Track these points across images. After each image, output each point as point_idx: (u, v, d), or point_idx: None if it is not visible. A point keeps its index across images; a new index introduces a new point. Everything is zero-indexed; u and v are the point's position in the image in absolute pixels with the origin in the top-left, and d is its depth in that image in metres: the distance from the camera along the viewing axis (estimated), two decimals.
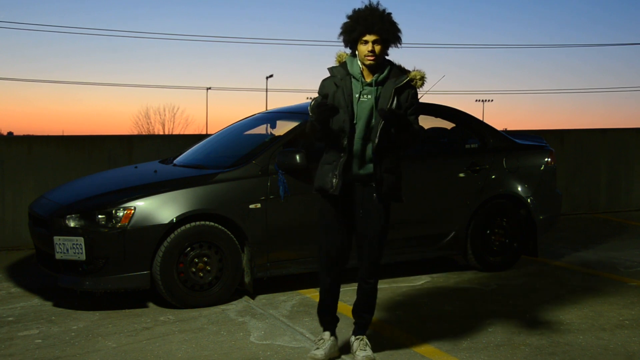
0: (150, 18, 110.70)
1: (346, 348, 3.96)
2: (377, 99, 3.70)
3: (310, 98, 4.90)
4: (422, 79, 3.80)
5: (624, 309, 4.89)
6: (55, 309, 4.96)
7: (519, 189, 6.08)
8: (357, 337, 3.90)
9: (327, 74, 3.84)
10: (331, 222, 3.80)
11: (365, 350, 3.84)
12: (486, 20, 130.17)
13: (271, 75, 59.64)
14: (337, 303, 3.95)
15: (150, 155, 7.40)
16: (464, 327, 4.47)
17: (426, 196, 5.73)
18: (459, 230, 5.85)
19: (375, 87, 3.71)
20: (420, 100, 6.64)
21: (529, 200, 6.09)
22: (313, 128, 3.68)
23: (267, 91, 74.86)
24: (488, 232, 5.99)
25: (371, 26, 3.62)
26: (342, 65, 3.80)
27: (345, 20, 3.72)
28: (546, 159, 6.33)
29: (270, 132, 6.05)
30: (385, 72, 3.73)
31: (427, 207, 5.74)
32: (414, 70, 3.80)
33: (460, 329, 4.43)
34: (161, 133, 55.63)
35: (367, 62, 3.69)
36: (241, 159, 5.29)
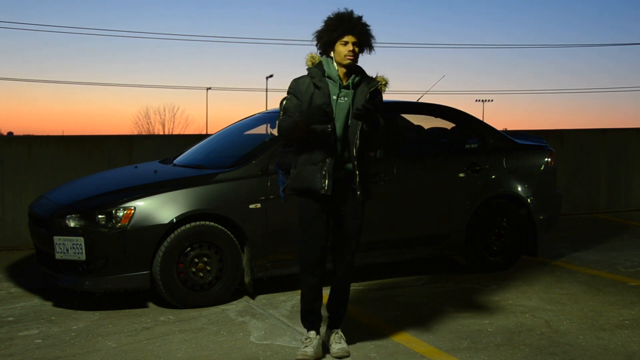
0: (150, 18, 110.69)
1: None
2: (353, 101, 3.83)
3: None
4: (386, 84, 3.98)
5: (624, 309, 4.89)
6: (55, 309, 4.96)
7: (519, 189, 6.08)
8: (333, 330, 4.02)
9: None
10: (315, 222, 3.86)
11: (340, 343, 3.97)
12: (486, 20, 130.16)
13: (271, 75, 59.63)
14: (321, 302, 3.99)
15: (150, 155, 7.40)
16: (464, 327, 4.47)
17: (426, 196, 5.73)
18: (459, 230, 5.84)
19: (353, 90, 3.85)
20: (420, 100, 6.67)
21: (529, 200, 6.09)
22: (295, 128, 3.75)
23: (267, 91, 74.72)
24: (488, 232, 5.98)
25: (352, 28, 3.78)
26: (318, 66, 3.89)
27: (325, 22, 3.84)
28: (546, 159, 6.33)
29: (270, 132, 6.05)
30: (359, 76, 3.89)
31: (427, 207, 5.74)
32: (378, 76, 3.96)
33: (460, 329, 4.43)
34: (161, 133, 55.63)
35: (346, 62, 3.80)
36: (241, 159, 5.29)
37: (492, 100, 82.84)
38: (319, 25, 3.89)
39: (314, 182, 3.78)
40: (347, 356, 3.93)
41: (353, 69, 3.87)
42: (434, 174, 5.83)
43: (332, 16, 3.84)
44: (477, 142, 6.12)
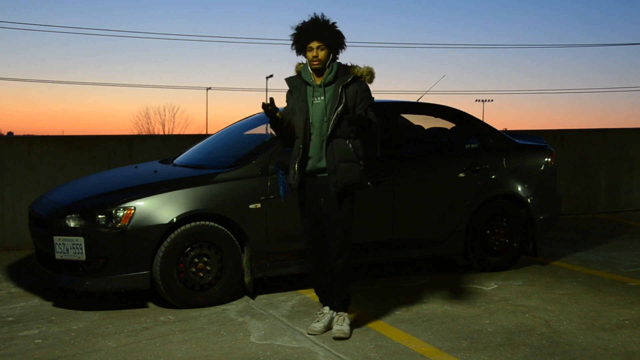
0: (150, 18, 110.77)
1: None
2: (328, 98, 4.17)
3: None
4: (370, 73, 4.27)
5: (624, 309, 4.89)
6: (55, 309, 4.96)
7: (519, 189, 6.08)
8: (338, 313, 4.34)
9: None
10: (305, 215, 4.33)
11: (341, 325, 4.27)
12: (486, 20, 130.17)
13: (271, 75, 59.58)
14: (326, 281, 4.37)
15: (150, 155, 7.40)
16: (464, 327, 4.47)
17: (426, 196, 5.72)
18: (459, 230, 5.84)
19: (324, 89, 4.20)
20: (420, 101, 6.67)
21: (529, 200, 6.09)
22: (282, 131, 4.27)
23: (267, 91, 74.54)
24: (488, 232, 5.98)
25: (313, 34, 4.14)
26: (298, 74, 4.31)
27: (293, 32, 4.22)
28: (546, 159, 6.33)
29: (270, 132, 6.03)
30: (332, 73, 4.20)
31: (427, 207, 5.73)
32: (362, 67, 4.27)
33: (460, 329, 4.43)
34: (161, 133, 55.62)
35: (313, 67, 4.19)
36: (241, 159, 5.28)
37: (492, 100, 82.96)
38: None
39: (289, 178, 4.28)
40: (345, 338, 4.21)
41: (324, 70, 4.21)
42: (434, 174, 5.83)
43: (297, 25, 4.22)
44: (477, 142, 6.12)
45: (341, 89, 4.14)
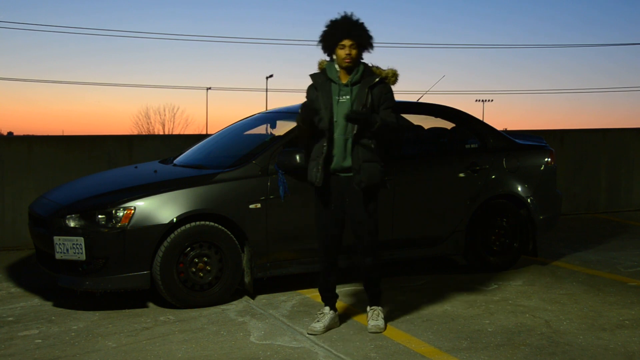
0: (150, 18, 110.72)
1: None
2: (354, 98, 4.19)
3: None
4: (395, 75, 4.33)
5: (624, 309, 4.89)
6: (55, 309, 4.96)
7: (519, 189, 6.08)
8: (372, 307, 4.44)
9: None
10: (323, 213, 4.34)
11: (376, 320, 4.37)
12: (486, 20, 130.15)
13: (271, 75, 59.62)
14: (335, 282, 4.45)
15: (150, 155, 7.40)
16: (464, 327, 4.47)
17: (426, 196, 5.72)
18: (459, 230, 5.84)
19: (351, 88, 4.22)
20: (420, 101, 6.67)
21: (529, 200, 6.09)
22: (299, 129, 4.32)
23: (267, 91, 74.91)
24: (488, 232, 5.98)
25: (348, 32, 4.16)
26: (323, 71, 4.32)
27: (324, 28, 4.24)
28: (546, 159, 6.32)
29: (270, 132, 6.05)
30: (359, 73, 4.23)
31: (427, 207, 5.73)
32: (387, 69, 4.32)
33: (460, 329, 4.43)
34: (161, 133, 55.62)
35: (345, 65, 4.20)
36: (241, 159, 5.28)
37: (492, 100, 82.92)
38: (319, 25, 4.10)
39: (311, 176, 4.25)
40: (380, 332, 4.31)
41: (354, 68, 4.22)
42: (434, 174, 5.83)
43: (329, 22, 4.22)
44: (477, 142, 6.11)
45: (367, 89, 4.18)
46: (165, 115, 76.26)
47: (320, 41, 4.26)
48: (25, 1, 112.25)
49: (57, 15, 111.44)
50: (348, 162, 4.21)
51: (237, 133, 6.25)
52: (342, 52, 4.18)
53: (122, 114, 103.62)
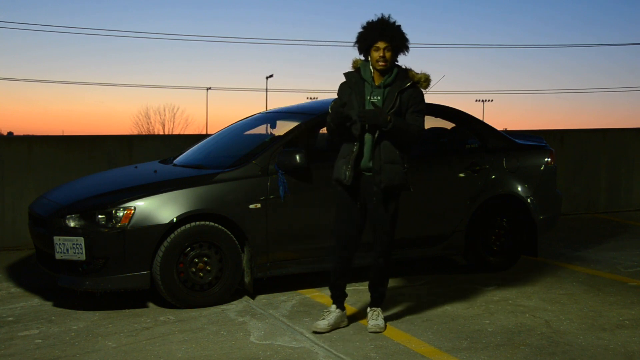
0: (150, 18, 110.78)
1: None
2: (384, 100, 4.21)
3: (311, 98, 4.99)
4: (427, 80, 4.33)
5: (624, 309, 4.89)
6: (55, 309, 4.96)
7: (519, 189, 6.08)
8: (372, 308, 4.46)
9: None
10: (345, 211, 4.36)
11: (376, 320, 4.38)
12: (486, 20, 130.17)
13: (271, 75, 59.66)
14: (346, 281, 4.47)
15: (150, 155, 7.39)
16: (464, 327, 4.47)
17: (426, 196, 5.71)
18: (459, 230, 5.84)
19: (383, 89, 4.24)
20: None
21: (529, 200, 6.08)
22: (328, 126, 4.31)
23: (267, 91, 74.82)
24: (488, 232, 5.98)
25: (383, 34, 4.17)
26: (357, 70, 4.34)
27: (360, 30, 4.26)
28: (546, 159, 6.32)
29: (270, 132, 6.04)
30: (392, 76, 4.25)
31: (427, 207, 5.73)
32: (420, 73, 4.32)
33: (460, 329, 4.43)
34: (161, 133, 55.61)
35: (379, 67, 4.22)
36: (241, 159, 5.28)
37: (492, 100, 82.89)
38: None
39: (340, 173, 4.28)
40: (380, 332, 4.32)
41: (388, 70, 4.25)
42: (434, 174, 5.82)
43: (365, 24, 4.26)
44: (477, 142, 6.11)
45: (397, 92, 4.21)
46: (165, 115, 76.29)
47: (356, 42, 4.27)
48: (25, 1, 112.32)
49: (57, 15, 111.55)
50: (370, 165, 4.27)
51: (237, 133, 6.24)
52: (376, 54, 4.19)
53: (122, 114, 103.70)
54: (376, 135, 4.18)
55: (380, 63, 4.19)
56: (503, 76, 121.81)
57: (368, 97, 4.23)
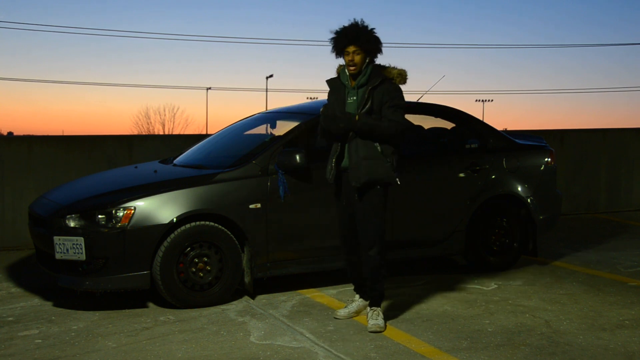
0: (150, 18, 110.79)
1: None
2: (359, 100, 4.36)
3: (311, 98, 5.03)
4: (401, 75, 4.44)
5: (624, 309, 4.89)
6: (55, 309, 4.96)
7: (519, 189, 6.08)
8: (372, 308, 4.49)
9: (331, 75, 4.58)
10: (339, 209, 4.57)
11: (376, 320, 4.40)
12: (486, 20, 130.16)
13: (271, 75, 59.64)
14: (361, 275, 4.58)
15: (150, 155, 7.40)
16: (464, 327, 4.47)
17: (426, 196, 5.72)
18: (459, 230, 5.84)
19: (357, 90, 4.39)
20: (420, 101, 6.66)
21: (529, 200, 6.08)
22: (320, 129, 4.49)
23: (267, 91, 74.70)
24: (488, 232, 5.98)
25: (351, 38, 4.30)
26: (338, 75, 4.52)
27: (332, 35, 4.40)
28: (546, 159, 6.32)
29: (270, 132, 6.04)
30: (366, 76, 4.37)
31: (427, 207, 5.73)
32: (395, 69, 4.45)
33: (460, 329, 4.43)
34: (161, 133, 55.60)
35: (349, 71, 4.39)
36: (241, 159, 5.28)
37: (492, 100, 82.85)
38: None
39: (326, 172, 4.49)
40: (380, 331, 4.34)
41: (359, 74, 4.37)
42: (434, 174, 5.82)
43: (337, 29, 4.38)
44: (477, 142, 6.11)
45: (369, 91, 4.32)
46: (165, 115, 76.27)
47: (332, 48, 4.41)
48: (25, 1, 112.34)
49: (57, 15, 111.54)
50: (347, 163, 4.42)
51: (237, 133, 6.24)
52: (346, 58, 4.35)
53: (122, 114, 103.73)
54: (350, 134, 4.30)
55: (350, 67, 4.34)
56: (503, 76, 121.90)
57: (349, 100, 4.39)
